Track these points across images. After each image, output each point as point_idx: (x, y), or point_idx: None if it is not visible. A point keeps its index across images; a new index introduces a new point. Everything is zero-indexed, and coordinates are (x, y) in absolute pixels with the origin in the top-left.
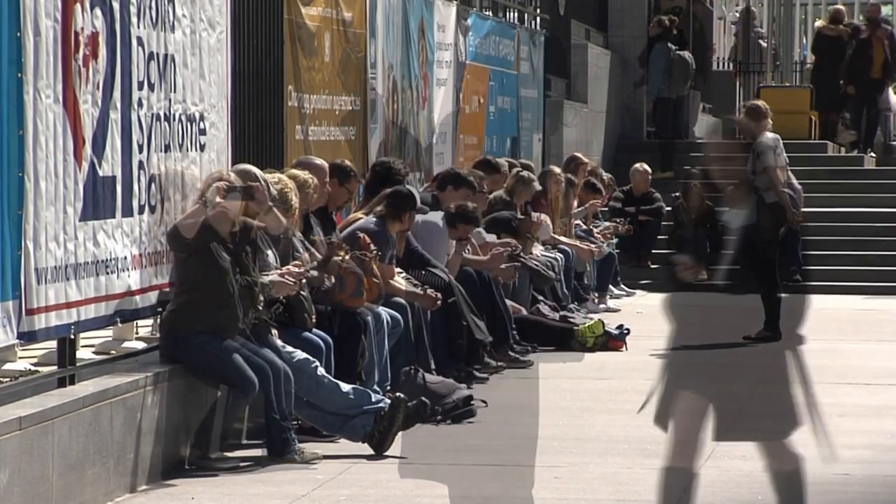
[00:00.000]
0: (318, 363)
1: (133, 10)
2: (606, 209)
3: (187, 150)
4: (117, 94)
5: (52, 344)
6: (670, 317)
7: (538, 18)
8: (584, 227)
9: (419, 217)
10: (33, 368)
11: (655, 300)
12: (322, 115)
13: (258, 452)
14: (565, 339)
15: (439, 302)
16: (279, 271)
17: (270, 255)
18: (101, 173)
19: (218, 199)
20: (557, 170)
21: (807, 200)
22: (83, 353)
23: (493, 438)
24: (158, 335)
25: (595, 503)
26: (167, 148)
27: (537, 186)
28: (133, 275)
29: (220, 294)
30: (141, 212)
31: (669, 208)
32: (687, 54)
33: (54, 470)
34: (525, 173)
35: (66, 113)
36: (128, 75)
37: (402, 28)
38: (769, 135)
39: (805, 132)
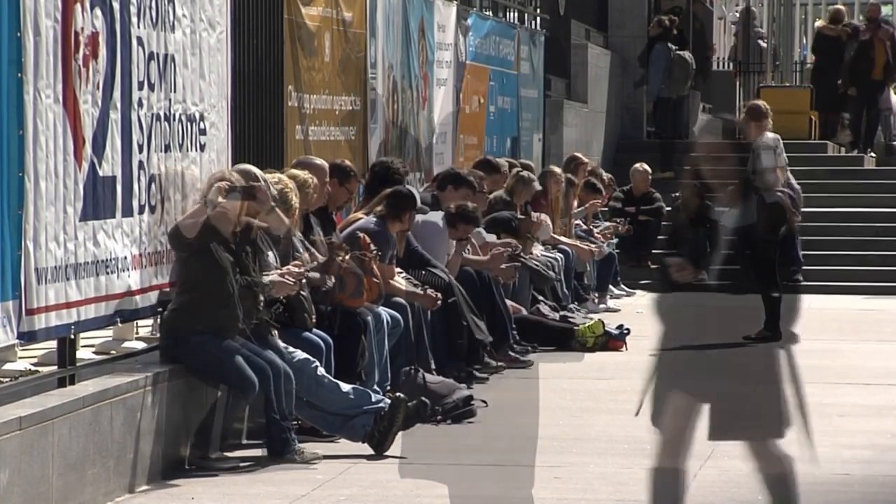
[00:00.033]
0: (318, 363)
1: (133, 10)
2: (606, 209)
3: (187, 150)
4: (117, 94)
5: (52, 344)
6: (661, 317)
7: (538, 18)
8: (584, 227)
9: (419, 217)
10: (33, 368)
11: None
12: (322, 115)
13: (258, 452)
14: (565, 339)
15: (439, 302)
16: (279, 271)
17: (270, 256)
18: (101, 173)
19: (220, 199)
20: (558, 170)
21: (807, 200)
22: (83, 353)
23: (493, 438)
24: (158, 335)
25: (595, 503)
26: (167, 148)
27: (537, 186)
28: (133, 275)
29: (220, 294)
30: (141, 212)
31: (669, 208)
32: (687, 54)
33: (54, 470)
34: (525, 173)
35: (66, 113)
36: (128, 75)
37: (402, 28)
38: (769, 135)
39: (805, 132)
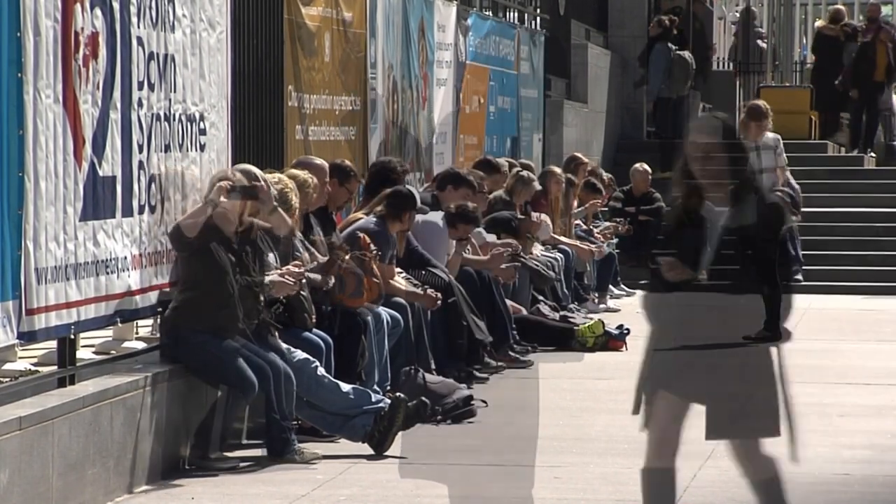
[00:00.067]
0: (318, 363)
1: (133, 10)
2: (606, 209)
3: (187, 150)
4: (117, 94)
5: (52, 344)
6: (649, 316)
7: (538, 18)
8: (584, 227)
9: (419, 217)
10: (33, 368)
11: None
12: (322, 115)
13: (258, 452)
14: (565, 339)
15: (439, 302)
16: (279, 271)
17: (271, 256)
18: (101, 173)
19: (222, 199)
20: (558, 170)
21: (807, 200)
22: (83, 353)
23: (493, 438)
24: (158, 335)
25: (595, 503)
26: (167, 148)
27: (537, 186)
28: (133, 275)
29: (220, 294)
30: (141, 212)
31: (669, 208)
32: (687, 54)
33: (54, 470)
34: (525, 173)
35: (66, 113)
36: (128, 75)
37: (402, 28)
38: (770, 135)
39: (805, 132)
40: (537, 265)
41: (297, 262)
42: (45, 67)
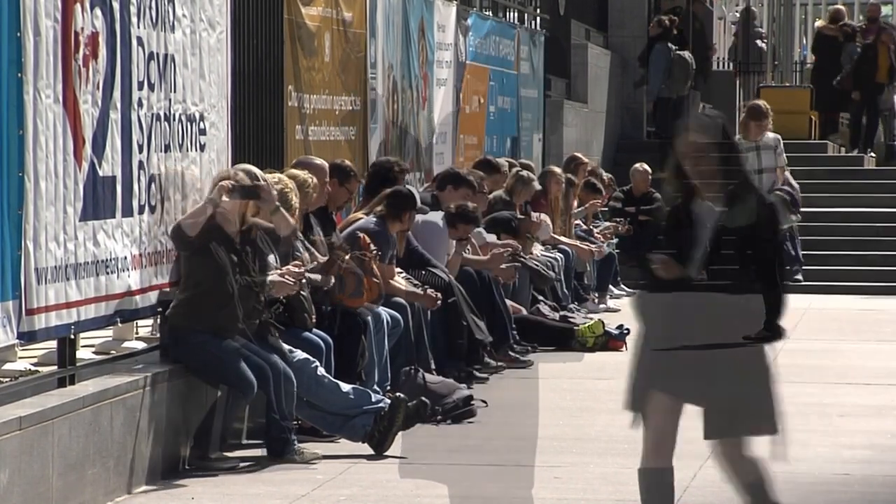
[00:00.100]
0: (318, 363)
1: (133, 10)
2: (606, 209)
3: (187, 150)
4: (117, 94)
5: (52, 344)
6: (649, 316)
7: (538, 18)
8: (584, 227)
9: (419, 217)
10: (33, 368)
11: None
12: (322, 115)
13: (258, 452)
14: (565, 339)
15: (439, 302)
16: (279, 271)
17: (271, 256)
18: (101, 173)
19: (224, 198)
20: (558, 170)
21: (807, 200)
22: (83, 353)
23: (493, 438)
24: (158, 335)
25: (595, 503)
26: (167, 148)
27: (537, 186)
28: (133, 275)
29: (220, 294)
30: (141, 212)
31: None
32: (687, 54)
33: (54, 470)
34: (525, 173)
35: (66, 113)
36: (128, 75)
37: (402, 28)
38: (770, 135)
39: (805, 132)
40: (537, 265)
41: (297, 262)
42: (45, 67)
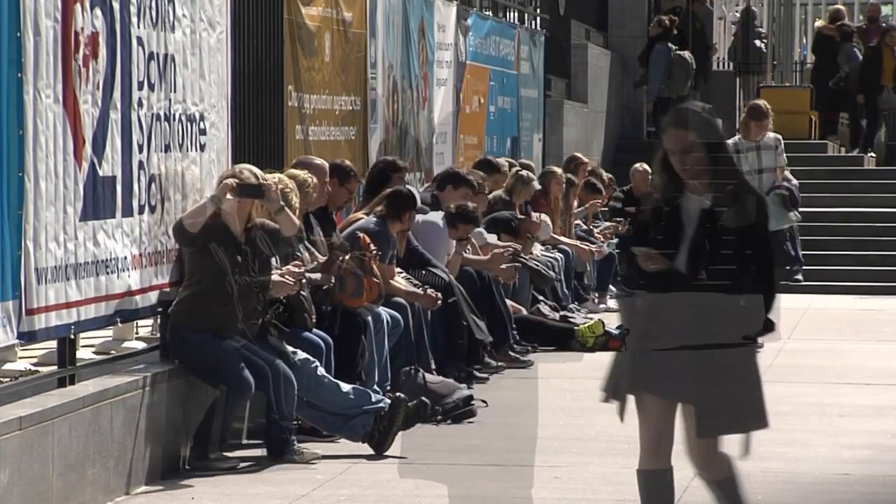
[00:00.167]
0: (318, 363)
1: (133, 10)
2: (606, 209)
3: (187, 150)
4: (117, 94)
5: (52, 344)
6: (635, 316)
7: (538, 18)
8: (585, 227)
9: (419, 217)
10: (33, 368)
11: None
12: (322, 115)
13: (258, 452)
14: (565, 339)
15: (439, 302)
16: (279, 271)
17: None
18: (101, 173)
19: (227, 197)
20: (558, 170)
21: (807, 200)
22: (83, 353)
23: (493, 438)
24: (158, 335)
25: (595, 503)
26: (167, 148)
27: (537, 186)
28: (133, 275)
29: (219, 293)
30: (141, 212)
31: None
32: (687, 54)
33: (54, 470)
34: (525, 173)
35: (66, 113)
36: (128, 75)
37: (402, 28)
38: (770, 135)
39: (805, 132)
40: (537, 265)
41: (297, 262)
42: (45, 67)
